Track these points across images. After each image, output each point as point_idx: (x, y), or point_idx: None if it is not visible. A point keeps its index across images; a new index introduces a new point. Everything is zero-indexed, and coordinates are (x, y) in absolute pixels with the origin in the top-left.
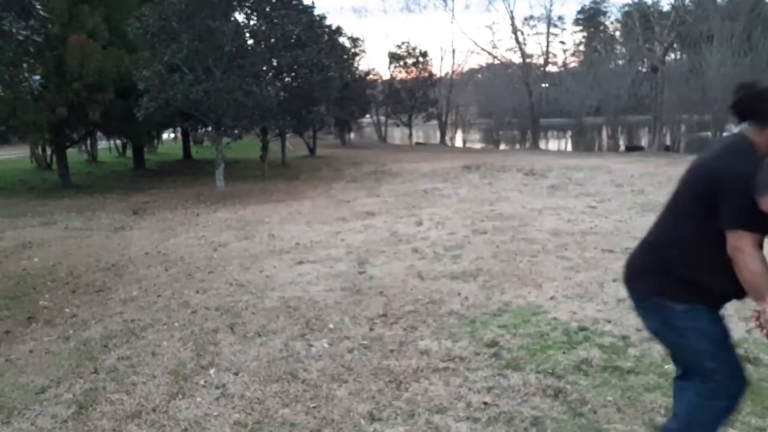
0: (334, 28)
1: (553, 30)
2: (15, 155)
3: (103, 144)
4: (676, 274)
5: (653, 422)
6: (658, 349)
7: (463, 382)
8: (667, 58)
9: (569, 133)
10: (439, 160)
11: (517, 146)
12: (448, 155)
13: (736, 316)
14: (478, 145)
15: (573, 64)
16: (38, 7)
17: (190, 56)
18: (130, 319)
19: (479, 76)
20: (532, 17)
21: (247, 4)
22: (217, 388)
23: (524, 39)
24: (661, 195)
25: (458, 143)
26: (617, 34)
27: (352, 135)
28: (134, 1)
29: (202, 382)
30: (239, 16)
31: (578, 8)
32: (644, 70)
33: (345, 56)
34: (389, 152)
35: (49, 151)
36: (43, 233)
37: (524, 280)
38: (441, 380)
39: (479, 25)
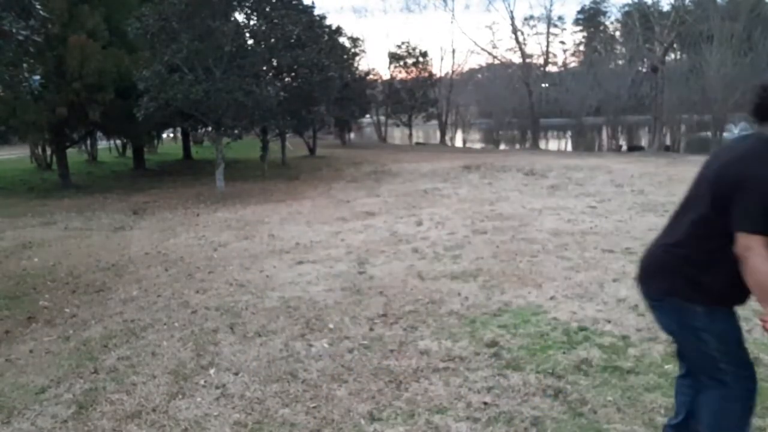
0: (334, 28)
1: (553, 30)
2: (15, 155)
3: (103, 144)
4: (691, 274)
5: (653, 422)
6: (658, 349)
7: (463, 382)
8: (667, 58)
9: (569, 133)
10: (439, 160)
11: (517, 146)
12: (448, 155)
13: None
14: (478, 145)
15: (573, 64)
16: (38, 7)
17: (190, 56)
18: (130, 319)
19: (479, 76)
20: (532, 17)
21: (247, 4)
22: (217, 388)
23: (524, 39)
24: (661, 195)
25: (458, 143)
26: (617, 34)
27: (352, 135)
28: (134, 1)
29: (202, 382)
30: (239, 16)
31: (578, 8)
32: (644, 70)
33: (345, 56)
34: (389, 152)
35: (49, 151)
36: (43, 233)
37: (524, 280)
38: (441, 380)
39: (479, 25)
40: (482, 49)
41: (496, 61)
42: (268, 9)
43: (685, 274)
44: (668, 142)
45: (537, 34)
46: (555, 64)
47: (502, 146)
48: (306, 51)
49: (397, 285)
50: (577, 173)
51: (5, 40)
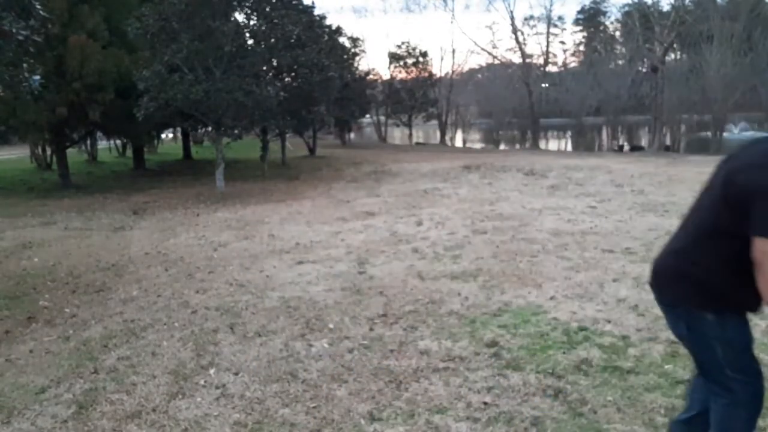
0: (334, 28)
1: (553, 30)
2: (15, 155)
3: (103, 144)
4: (700, 280)
5: (653, 422)
6: (658, 349)
7: (463, 382)
8: (667, 58)
9: (569, 133)
10: (439, 160)
11: (517, 146)
12: (448, 155)
13: None
14: (478, 145)
15: (573, 64)
16: (38, 7)
17: (190, 56)
18: (130, 319)
19: (479, 76)
20: (532, 17)
21: (247, 4)
22: (217, 388)
23: (524, 39)
24: (661, 195)
25: (458, 143)
26: (617, 34)
27: (352, 135)
28: (134, 1)
29: (202, 382)
30: (239, 16)
31: (578, 8)
32: (644, 70)
33: (345, 56)
34: (389, 152)
35: (49, 151)
36: (43, 233)
37: (524, 280)
38: (441, 380)
39: (479, 25)
40: (482, 49)
41: (496, 61)
42: (268, 9)
43: (695, 280)
44: (668, 142)
45: (537, 34)
46: (555, 64)
47: (502, 146)
48: (306, 51)
49: (397, 285)
50: (577, 173)
51: (5, 40)
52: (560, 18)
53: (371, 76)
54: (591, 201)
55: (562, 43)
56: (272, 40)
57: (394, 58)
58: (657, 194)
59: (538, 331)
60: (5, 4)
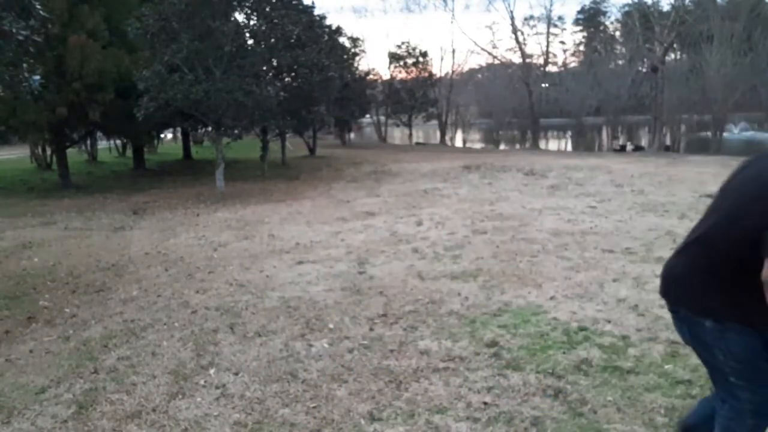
0: (334, 28)
1: (553, 30)
2: (15, 155)
3: (103, 144)
4: (701, 287)
5: (653, 422)
6: (658, 349)
7: (463, 382)
8: (667, 58)
9: (569, 133)
10: (439, 160)
11: (517, 146)
12: (448, 155)
13: None
14: (478, 145)
15: (573, 64)
16: (38, 7)
17: (190, 56)
18: (130, 319)
19: (479, 76)
20: (532, 17)
21: (247, 4)
22: (217, 388)
23: (524, 39)
24: (661, 195)
25: (458, 143)
26: (617, 34)
27: (352, 135)
28: (134, 1)
29: (202, 382)
30: (239, 16)
31: (578, 8)
32: (644, 70)
33: (345, 56)
34: (389, 152)
35: (49, 151)
36: (43, 233)
37: (524, 280)
38: (441, 380)
39: (479, 25)
40: (482, 49)
41: (496, 61)
42: (268, 9)
43: (699, 287)
44: (668, 142)
45: (537, 34)
46: (555, 64)
47: (502, 146)
48: (306, 51)
49: (397, 285)
50: (577, 173)
51: (5, 40)
52: (560, 18)
53: (371, 76)
54: (591, 201)
55: (562, 43)
56: (272, 40)
57: (394, 58)
58: (657, 194)
59: (538, 331)
60: (5, 4)
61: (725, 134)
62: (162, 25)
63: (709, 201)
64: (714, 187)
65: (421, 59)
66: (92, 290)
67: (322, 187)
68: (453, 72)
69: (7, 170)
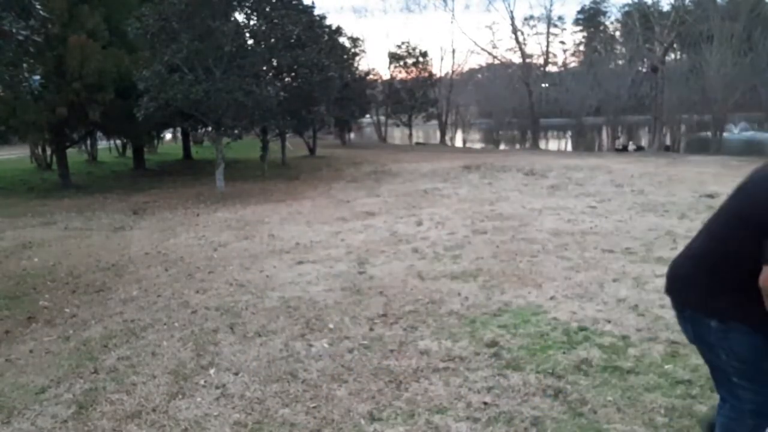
0: (334, 28)
1: (553, 30)
2: (15, 155)
3: (103, 144)
4: (705, 288)
5: (653, 422)
6: (658, 349)
7: (463, 382)
8: (667, 58)
9: (569, 133)
10: (439, 160)
11: (517, 146)
12: (448, 155)
13: None
14: (478, 145)
15: (573, 64)
16: (38, 7)
17: (190, 56)
18: (130, 319)
19: (479, 76)
20: (532, 17)
21: (247, 4)
22: (217, 388)
23: (524, 39)
24: (661, 195)
25: (458, 143)
26: (617, 34)
27: (352, 135)
28: (134, 1)
29: (202, 382)
30: (239, 16)
31: (578, 8)
32: (644, 70)
33: (345, 56)
34: (389, 152)
35: (49, 151)
36: (43, 233)
37: (524, 280)
38: (441, 380)
39: (479, 25)
40: (482, 49)
41: (496, 61)
42: (268, 9)
43: (701, 287)
44: (668, 142)
45: (537, 34)
46: (555, 64)
47: (502, 146)
48: (306, 51)
49: (397, 285)
50: (577, 173)
51: (5, 40)
52: (560, 18)
53: (371, 76)
54: (591, 201)
55: (562, 43)
56: (272, 40)
57: (394, 58)
58: (657, 194)
59: (538, 331)
60: (5, 4)
61: (725, 134)
62: (162, 25)
63: (709, 201)
64: (714, 187)
65: (421, 59)
66: (92, 290)
67: (322, 187)
68: (453, 72)
69: (7, 170)
